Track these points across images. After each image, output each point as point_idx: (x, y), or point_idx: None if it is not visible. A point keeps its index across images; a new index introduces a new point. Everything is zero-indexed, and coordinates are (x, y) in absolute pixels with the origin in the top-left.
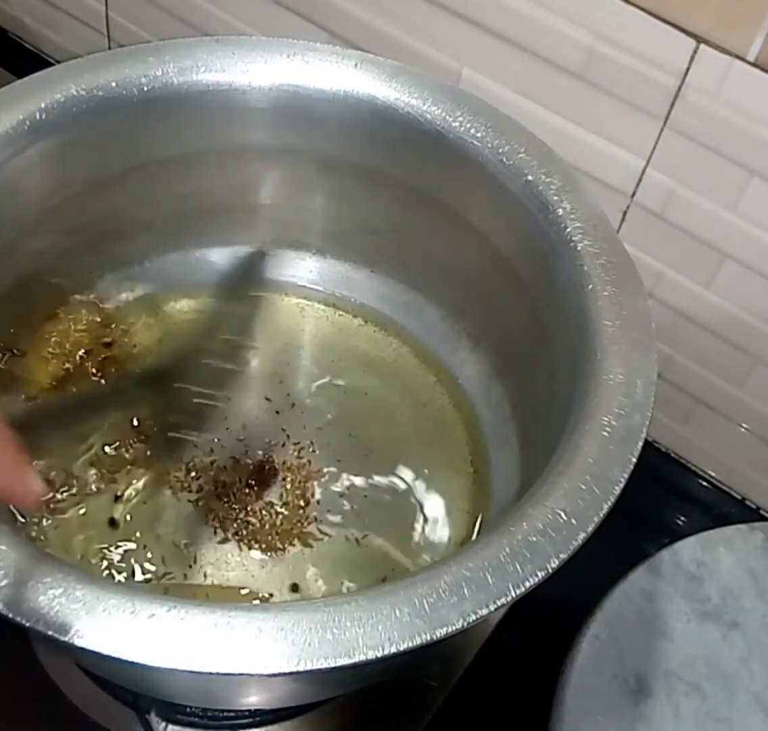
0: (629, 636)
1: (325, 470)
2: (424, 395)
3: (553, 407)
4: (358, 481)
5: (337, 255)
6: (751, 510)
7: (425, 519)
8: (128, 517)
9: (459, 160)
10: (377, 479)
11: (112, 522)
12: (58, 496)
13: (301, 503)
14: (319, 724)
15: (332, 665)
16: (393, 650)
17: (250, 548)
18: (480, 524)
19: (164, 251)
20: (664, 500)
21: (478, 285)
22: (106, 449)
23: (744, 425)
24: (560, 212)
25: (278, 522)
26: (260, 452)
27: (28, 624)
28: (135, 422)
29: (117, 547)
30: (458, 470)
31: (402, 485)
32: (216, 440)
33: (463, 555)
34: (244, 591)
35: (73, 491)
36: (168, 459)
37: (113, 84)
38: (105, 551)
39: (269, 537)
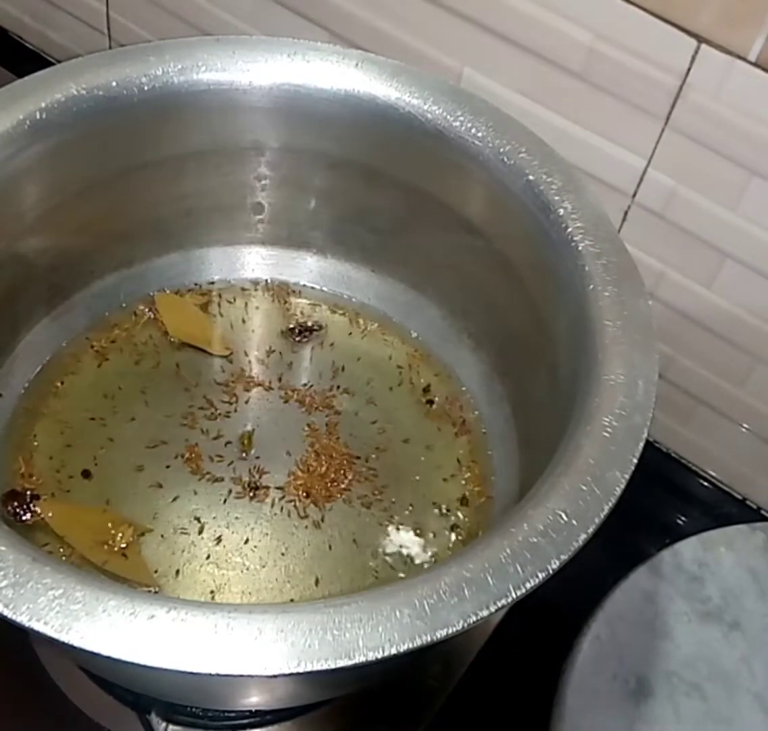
0: (630, 636)
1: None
2: (425, 394)
3: (553, 407)
4: (357, 482)
5: (337, 255)
6: (752, 510)
7: (425, 519)
8: None
9: (459, 160)
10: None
11: None
12: None
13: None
14: (320, 724)
15: (332, 666)
16: (393, 651)
17: None
18: (480, 525)
19: (164, 251)
20: (665, 500)
21: (479, 285)
22: None
23: (745, 425)
24: (561, 211)
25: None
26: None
27: (28, 624)
28: None
29: None
30: (459, 470)
31: (402, 485)
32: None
33: (464, 556)
34: None
35: None
36: None
37: (113, 84)
38: None
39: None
